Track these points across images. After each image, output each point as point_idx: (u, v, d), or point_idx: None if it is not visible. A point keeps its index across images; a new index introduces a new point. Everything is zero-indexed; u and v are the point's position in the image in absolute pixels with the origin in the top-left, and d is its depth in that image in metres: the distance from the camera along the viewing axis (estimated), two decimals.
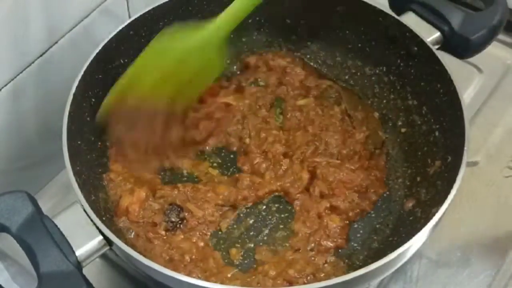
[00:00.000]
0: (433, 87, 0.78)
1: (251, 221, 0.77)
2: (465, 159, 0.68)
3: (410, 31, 0.80)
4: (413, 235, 0.64)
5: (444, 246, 0.81)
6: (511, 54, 1.01)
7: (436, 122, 0.79)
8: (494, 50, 0.93)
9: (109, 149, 0.80)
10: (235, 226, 0.76)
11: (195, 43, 0.75)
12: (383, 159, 0.82)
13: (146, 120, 0.76)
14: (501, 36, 0.86)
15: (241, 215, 0.77)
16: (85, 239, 0.64)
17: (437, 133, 0.78)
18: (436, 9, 0.81)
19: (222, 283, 0.69)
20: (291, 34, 0.91)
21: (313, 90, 0.88)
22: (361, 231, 0.77)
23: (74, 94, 0.73)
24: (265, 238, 0.76)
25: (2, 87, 0.74)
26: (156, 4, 0.83)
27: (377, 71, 0.87)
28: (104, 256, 0.77)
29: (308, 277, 0.71)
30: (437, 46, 0.80)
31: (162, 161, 0.80)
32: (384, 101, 0.86)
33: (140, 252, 0.63)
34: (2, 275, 0.78)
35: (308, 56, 0.92)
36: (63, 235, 0.63)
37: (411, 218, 0.75)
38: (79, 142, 0.74)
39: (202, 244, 0.74)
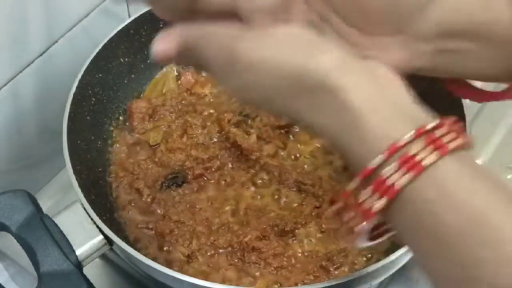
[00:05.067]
0: (434, 88, 0.78)
1: None
2: None
3: None
4: None
5: None
6: None
7: None
8: None
9: None
10: None
11: None
12: None
13: None
14: None
15: None
16: (86, 239, 0.64)
17: None
18: None
19: None
20: None
21: None
22: None
23: (74, 94, 0.73)
24: None
25: (2, 87, 0.74)
26: None
27: None
28: (104, 256, 0.77)
29: None
30: None
31: None
32: None
33: None
34: (2, 275, 0.78)
35: None
36: (63, 235, 0.63)
37: None
38: (79, 142, 0.73)
39: None
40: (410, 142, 0.41)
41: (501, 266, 0.39)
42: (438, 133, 0.42)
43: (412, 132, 0.42)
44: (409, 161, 0.41)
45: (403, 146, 0.41)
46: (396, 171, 0.41)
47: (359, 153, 0.44)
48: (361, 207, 0.43)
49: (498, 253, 0.39)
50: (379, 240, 0.49)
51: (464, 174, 0.41)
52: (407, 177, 0.41)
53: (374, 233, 0.48)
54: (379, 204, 0.42)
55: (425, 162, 0.41)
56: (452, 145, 0.41)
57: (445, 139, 0.42)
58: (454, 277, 0.41)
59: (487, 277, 0.39)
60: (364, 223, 0.44)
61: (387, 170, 0.41)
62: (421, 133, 0.42)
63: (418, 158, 0.41)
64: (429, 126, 0.42)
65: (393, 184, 0.41)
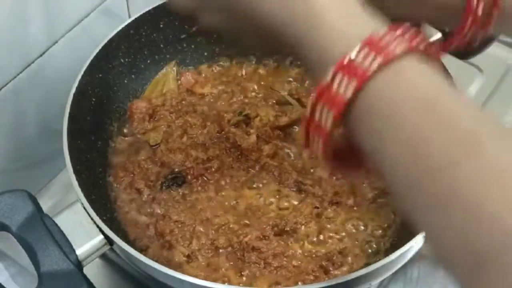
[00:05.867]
0: None
1: None
2: None
3: None
4: (414, 236, 0.64)
5: None
6: (511, 54, 1.01)
7: None
8: (494, 50, 0.92)
9: None
10: None
11: None
12: None
13: None
14: (501, 36, 0.86)
15: None
16: (86, 238, 0.64)
17: None
18: None
19: None
20: None
21: None
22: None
23: (74, 94, 0.73)
24: None
25: (2, 87, 0.74)
26: (156, 4, 0.83)
27: None
28: (104, 256, 0.77)
29: None
30: None
31: None
32: None
33: None
34: (2, 274, 0.78)
35: None
36: (63, 234, 0.63)
37: None
38: (79, 142, 0.73)
39: None
40: (384, 35, 0.43)
41: (453, 147, 0.40)
42: (411, 32, 0.44)
43: (386, 27, 0.44)
44: (382, 49, 0.43)
45: (380, 38, 0.43)
46: (368, 57, 0.43)
47: (325, 46, 0.45)
48: (334, 95, 0.44)
49: (450, 134, 0.40)
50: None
51: (425, 69, 0.43)
52: (378, 61, 0.42)
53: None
54: (351, 86, 0.43)
55: (397, 51, 0.42)
56: (421, 45, 0.44)
57: (417, 39, 0.44)
58: (412, 165, 0.41)
59: (442, 163, 0.40)
60: (333, 114, 0.44)
61: (360, 57, 0.43)
62: (394, 29, 0.44)
63: (391, 47, 0.43)
64: (405, 25, 0.44)
65: (366, 69, 0.43)
